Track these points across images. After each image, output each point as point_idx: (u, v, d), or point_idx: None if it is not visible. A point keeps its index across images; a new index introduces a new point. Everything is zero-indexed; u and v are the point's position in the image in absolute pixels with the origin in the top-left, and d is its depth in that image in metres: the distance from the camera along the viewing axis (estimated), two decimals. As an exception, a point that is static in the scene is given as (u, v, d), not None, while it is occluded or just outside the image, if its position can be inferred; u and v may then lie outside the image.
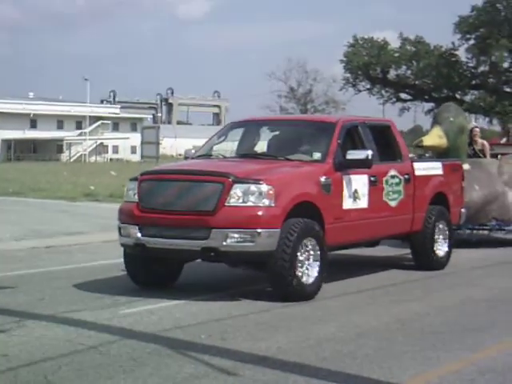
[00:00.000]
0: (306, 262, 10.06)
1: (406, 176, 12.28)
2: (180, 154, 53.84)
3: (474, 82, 57.23)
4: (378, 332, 8.45)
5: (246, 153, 11.67)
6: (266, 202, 9.78)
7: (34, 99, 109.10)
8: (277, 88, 66.21)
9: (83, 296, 10.18)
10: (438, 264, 12.89)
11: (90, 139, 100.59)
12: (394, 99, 60.47)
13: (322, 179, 10.51)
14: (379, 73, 58.39)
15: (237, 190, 9.78)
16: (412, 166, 12.55)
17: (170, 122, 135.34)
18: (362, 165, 10.95)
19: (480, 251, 15.34)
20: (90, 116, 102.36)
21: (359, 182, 11.16)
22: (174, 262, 10.77)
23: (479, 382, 6.72)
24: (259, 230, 9.68)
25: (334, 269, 12.16)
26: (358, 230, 11.29)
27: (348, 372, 6.92)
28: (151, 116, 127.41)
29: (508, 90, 56.85)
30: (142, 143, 53.19)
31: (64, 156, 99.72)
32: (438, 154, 15.77)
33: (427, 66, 55.86)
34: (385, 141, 12.36)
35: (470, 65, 57.16)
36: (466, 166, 15.06)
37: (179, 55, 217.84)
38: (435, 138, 15.50)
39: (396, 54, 57.71)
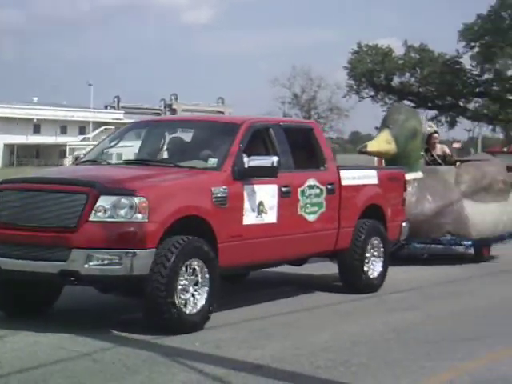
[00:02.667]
0: (191, 288, 8.60)
1: (330, 186, 10.66)
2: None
3: (477, 90, 57.08)
4: (373, 341, 8.44)
5: (138, 158, 10.34)
6: (139, 216, 8.21)
7: (37, 104, 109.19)
8: (281, 94, 66.13)
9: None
10: (370, 286, 11.26)
11: (93, 145, 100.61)
12: (398, 106, 60.33)
13: (216, 190, 8.99)
14: (383, 80, 58.28)
15: (103, 203, 8.22)
16: (338, 175, 10.91)
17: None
18: (266, 173, 9.40)
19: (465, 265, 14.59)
20: (93, 121, 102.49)
21: (266, 194, 9.59)
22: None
23: (472, 392, 6.72)
24: (128, 251, 8.13)
25: (328, 278, 12.25)
26: (263, 248, 9.66)
27: (342, 381, 6.92)
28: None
29: (511, 97, 56.75)
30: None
31: (67, 161, 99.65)
32: (386, 160, 14.63)
33: (431, 73, 55.76)
34: (305, 146, 10.85)
35: (474, 72, 57.02)
36: (418, 175, 14.14)
37: (183, 61, 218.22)
38: (382, 143, 14.12)
39: (400, 62, 57.59)
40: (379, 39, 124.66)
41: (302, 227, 10.21)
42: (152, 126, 11.44)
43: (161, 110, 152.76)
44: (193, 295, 8.62)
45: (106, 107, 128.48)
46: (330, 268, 12.01)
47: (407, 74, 58.14)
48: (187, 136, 10.66)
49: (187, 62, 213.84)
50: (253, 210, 9.43)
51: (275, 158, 9.41)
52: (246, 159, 9.36)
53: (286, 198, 9.90)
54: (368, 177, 11.66)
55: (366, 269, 11.18)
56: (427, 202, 14.12)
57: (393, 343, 8.36)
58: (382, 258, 11.48)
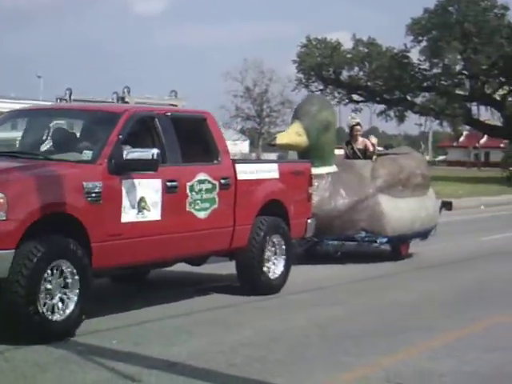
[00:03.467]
0: (59, 292, 7.93)
1: (223, 180, 10.01)
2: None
3: (425, 84, 57.60)
4: (294, 336, 8.44)
5: (10, 150, 9.48)
6: None
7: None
8: (233, 88, 65.96)
9: None
10: (269, 287, 10.64)
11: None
12: (347, 100, 60.62)
13: (88, 185, 8.28)
14: (332, 74, 58.49)
15: None
16: (233, 169, 10.26)
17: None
18: (146, 167, 8.75)
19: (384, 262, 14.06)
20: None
21: (148, 189, 8.94)
22: None
23: (384, 387, 6.73)
24: None
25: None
26: (146, 247, 9.02)
27: (255, 378, 6.88)
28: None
29: (459, 92, 57.32)
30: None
31: None
32: (299, 153, 13.89)
33: (379, 67, 56.09)
34: (196, 137, 10.18)
35: (422, 67, 57.57)
36: (331, 169, 13.59)
37: (136, 54, 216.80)
38: (292, 135, 13.47)
39: (349, 55, 57.87)
40: (331, 32, 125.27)
41: (191, 225, 9.54)
42: (32, 116, 10.49)
43: (113, 102, 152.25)
44: (61, 300, 7.94)
45: (57, 100, 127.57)
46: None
47: (356, 68, 58.50)
48: (75, 125, 10.13)
49: (140, 55, 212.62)
50: (133, 207, 8.76)
51: (155, 151, 8.76)
52: (125, 152, 8.75)
53: (172, 193, 9.25)
54: (268, 171, 10.98)
55: (265, 269, 10.58)
56: (341, 198, 13.50)
57: (313, 339, 8.36)
58: (283, 257, 10.86)
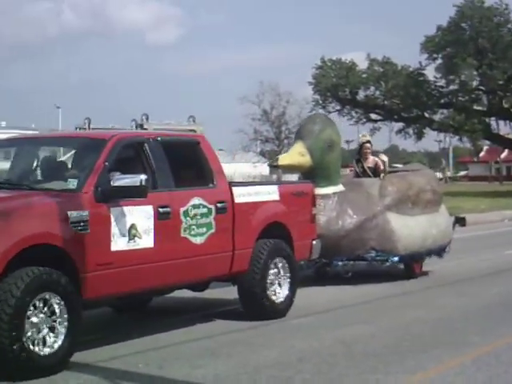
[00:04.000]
0: (45, 326, 7.64)
1: (220, 204, 9.77)
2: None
3: (442, 101, 57.51)
4: (320, 356, 8.37)
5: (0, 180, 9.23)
6: None
7: (6, 128, 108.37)
8: (251, 111, 65.93)
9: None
10: (274, 312, 10.36)
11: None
12: (364, 120, 60.63)
13: (73, 214, 8.01)
14: (348, 94, 58.52)
15: None
16: (230, 192, 10.03)
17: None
18: (134, 193, 8.47)
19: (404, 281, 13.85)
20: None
21: (139, 216, 8.67)
22: None
23: (412, 404, 6.65)
24: None
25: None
26: (140, 275, 8.76)
27: (282, 398, 6.83)
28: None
29: (477, 108, 57.17)
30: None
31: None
32: (303, 174, 13.52)
33: (395, 86, 56.08)
34: (190, 162, 10.04)
35: (439, 84, 57.52)
36: (338, 188, 13.28)
37: (152, 81, 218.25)
38: (295, 155, 13.19)
39: (364, 75, 57.90)
40: (345, 53, 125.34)
41: (186, 251, 9.27)
42: (20, 145, 10.33)
43: (132, 129, 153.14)
44: (50, 334, 7.65)
45: (76, 129, 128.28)
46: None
47: (372, 88, 58.48)
48: (51, 154, 9.93)
49: (156, 82, 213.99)
50: (123, 235, 8.49)
51: (143, 177, 8.48)
52: (113, 179, 8.49)
53: (165, 219, 8.98)
54: (267, 193, 10.69)
55: (268, 292, 10.32)
56: (348, 217, 13.18)
57: (340, 358, 8.28)
58: (288, 281, 10.62)
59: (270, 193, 10.74)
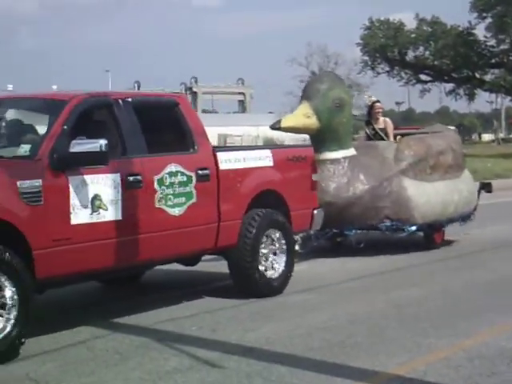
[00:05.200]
0: None
1: (201, 171, 8.91)
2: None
3: (493, 61, 56.68)
4: (372, 319, 8.36)
5: None
6: None
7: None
8: (299, 73, 65.62)
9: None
10: (268, 288, 9.53)
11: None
12: (414, 81, 60.11)
13: (23, 184, 7.21)
14: (397, 55, 58.00)
15: None
16: (214, 158, 9.15)
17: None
18: (93, 160, 7.63)
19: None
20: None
21: (103, 185, 7.86)
22: None
23: (466, 368, 6.59)
24: None
25: (329, 256, 12.19)
26: (105, 251, 7.91)
27: (334, 361, 6.84)
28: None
29: (528, 67, 56.27)
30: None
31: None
32: (311, 137, 12.49)
33: (445, 46, 55.38)
34: (167, 125, 9.18)
35: (489, 43, 56.64)
36: (349, 152, 12.34)
37: (201, 44, 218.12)
38: (299, 117, 12.15)
39: (413, 35, 57.31)
40: (393, 13, 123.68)
41: (162, 223, 8.44)
42: None
43: (181, 93, 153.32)
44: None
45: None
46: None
47: (421, 48, 57.83)
48: (24, 117, 8.81)
49: (205, 45, 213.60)
50: (85, 207, 7.66)
51: (103, 142, 7.59)
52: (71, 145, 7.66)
53: (136, 188, 8.17)
54: (258, 158, 9.76)
55: (261, 268, 9.48)
56: (360, 184, 12.24)
57: (392, 321, 8.28)
58: (284, 254, 9.77)
59: (262, 158, 9.82)
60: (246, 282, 9.49)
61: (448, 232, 13.84)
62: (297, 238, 10.51)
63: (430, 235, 13.24)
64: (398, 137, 13.48)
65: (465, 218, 13.75)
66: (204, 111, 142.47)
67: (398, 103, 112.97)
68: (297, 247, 10.25)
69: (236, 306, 9.12)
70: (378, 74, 59.57)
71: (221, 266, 10.22)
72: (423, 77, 60.36)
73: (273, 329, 8.01)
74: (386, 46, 57.10)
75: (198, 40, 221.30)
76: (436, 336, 7.61)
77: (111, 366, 6.81)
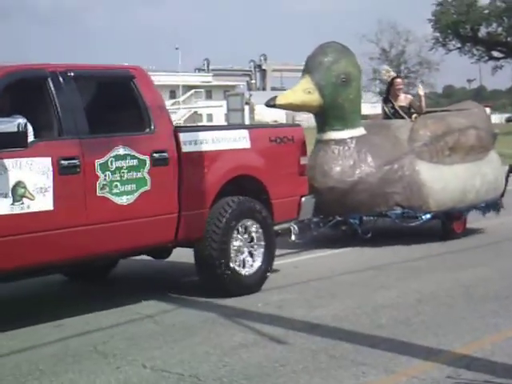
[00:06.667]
0: None
1: (157, 155, 7.87)
2: (275, 121, 53.91)
3: None
4: (439, 298, 8.29)
5: None
6: None
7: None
8: (369, 50, 65.12)
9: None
10: (239, 286, 8.44)
11: (183, 108, 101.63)
12: (486, 57, 59.12)
13: None
14: (469, 31, 57.11)
15: None
16: (174, 139, 8.08)
17: (264, 89, 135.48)
18: (10, 142, 6.75)
19: None
20: (182, 85, 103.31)
21: (30, 171, 6.92)
22: None
23: (534, 348, 6.53)
24: None
25: (393, 237, 11.83)
26: (32, 247, 6.98)
27: (400, 339, 6.80)
28: (244, 83, 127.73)
29: None
30: (228, 110, 53.80)
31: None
32: (315, 115, 11.44)
33: (519, 22, 54.38)
34: (117, 102, 8.15)
35: None
36: (356, 132, 11.23)
37: (270, 22, 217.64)
38: (299, 93, 11.02)
39: (485, 11, 56.31)
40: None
41: (105, 214, 7.47)
42: None
43: (251, 71, 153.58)
44: None
45: (196, 70, 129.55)
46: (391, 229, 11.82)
47: (494, 24, 56.79)
48: None
49: (274, 23, 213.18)
50: (5, 196, 6.77)
51: (22, 120, 6.80)
52: None
53: (72, 174, 7.21)
54: (232, 139, 8.67)
55: (232, 264, 8.40)
56: (367, 167, 11.11)
57: (459, 300, 8.20)
58: (262, 249, 8.73)
59: (237, 139, 8.73)
60: (212, 279, 8.44)
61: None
62: (293, 226, 9.45)
63: (449, 225, 11.94)
64: (414, 115, 12.26)
65: (490, 205, 12.47)
66: (273, 89, 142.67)
67: (469, 80, 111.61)
68: (293, 237, 9.44)
69: (303, 282, 9.13)
70: (450, 50, 58.75)
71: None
72: (495, 53, 59.33)
73: (339, 306, 8.00)
74: (457, 23, 56.25)
75: (267, 17, 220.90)
76: (504, 316, 7.52)
77: (178, 340, 6.88)
